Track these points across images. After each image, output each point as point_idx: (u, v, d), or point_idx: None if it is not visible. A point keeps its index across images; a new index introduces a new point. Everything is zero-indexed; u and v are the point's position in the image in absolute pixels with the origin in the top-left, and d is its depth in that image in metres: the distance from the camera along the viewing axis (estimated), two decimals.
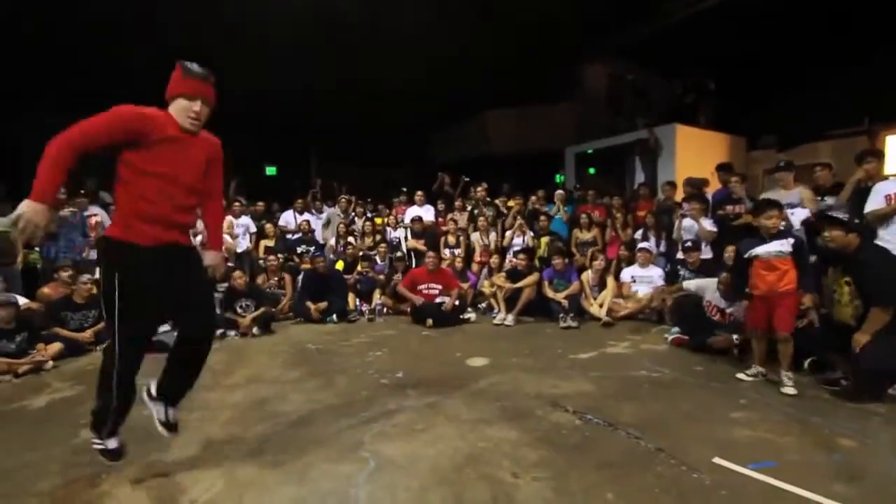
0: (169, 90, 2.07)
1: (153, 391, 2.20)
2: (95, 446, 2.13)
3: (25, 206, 1.68)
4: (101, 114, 1.87)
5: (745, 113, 8.91)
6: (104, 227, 6.11)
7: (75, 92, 8.49)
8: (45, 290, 4.88)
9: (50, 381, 3.69)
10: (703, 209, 5.33)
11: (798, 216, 4.41)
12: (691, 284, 4.54)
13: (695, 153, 7.95)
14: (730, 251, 4.53)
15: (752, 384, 3.30)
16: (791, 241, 3.25)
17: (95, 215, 6.07)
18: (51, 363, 3.97)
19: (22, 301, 4.47)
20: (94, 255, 5.83)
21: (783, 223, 3.41)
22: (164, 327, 5.21)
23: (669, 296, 4.91)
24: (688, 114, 8.68)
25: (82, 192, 6.30)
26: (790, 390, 3.07)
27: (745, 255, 3.40)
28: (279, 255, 6.40)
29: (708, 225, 5.20)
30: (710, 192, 6.02)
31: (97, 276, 5.53)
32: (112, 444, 2.12)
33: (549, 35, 8.57)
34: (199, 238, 4.21)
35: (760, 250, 3.30)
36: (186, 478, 2.18)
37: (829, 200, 4.53)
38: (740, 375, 3.42)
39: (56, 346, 4.15)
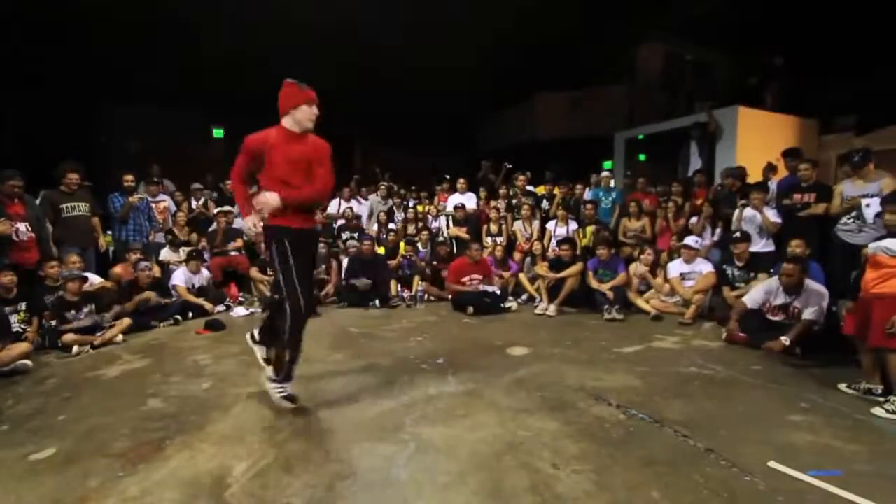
0: (287, 103, 2.53)
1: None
2: (278, 392, 2.65)
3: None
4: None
5: (817, 92, 8.11)
6: (171, 212, 6.55)
7: (143, 86, 9.11)
8: (117, 269, 5.32)
9: (121, 353, 4.03)
10: (765, 198, 4.96)
11: (874, 208, 3.98)
12: (749, 300, 3.96)
13: (759, 137, 7.37)
14: (794, 245, 4.19)
15: (816, 388, 3.04)
16: None
17: (164, 201, 6.52)
18: (121, 337, 4.33)
19: (97, 280, 4.88)
20: (160, 238, 6.27)
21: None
22: (219, 308, 5.55)
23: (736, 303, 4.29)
24: (752, 95, 8.04)
25: (155, 179, 6.75)
26: (880, 411, 2.63)
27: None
28: (326, 241, 6.60)
29: (772, 215, 4.84)
30: (776, 180, 5.60)
31: (162, 257, 5.98)
32: (290, 388, 2.69)
33: (600, 13, 8.17)
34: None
35: (872, 244, 2.91)
36: (240, 448, 2.32)
37: None
38: (842, 386, 2.97)
39: (125, 322, 4.51)
